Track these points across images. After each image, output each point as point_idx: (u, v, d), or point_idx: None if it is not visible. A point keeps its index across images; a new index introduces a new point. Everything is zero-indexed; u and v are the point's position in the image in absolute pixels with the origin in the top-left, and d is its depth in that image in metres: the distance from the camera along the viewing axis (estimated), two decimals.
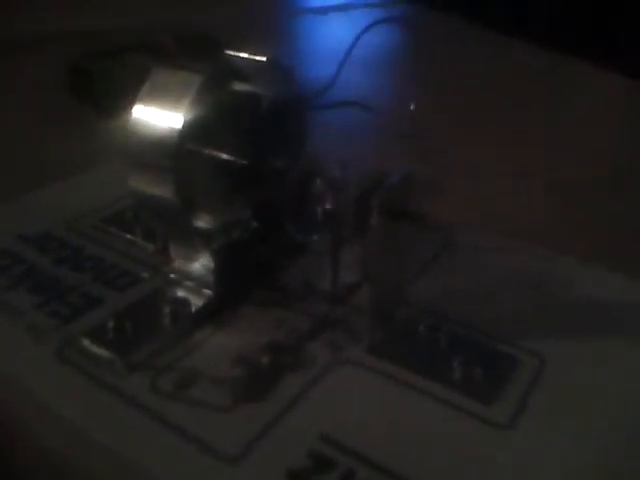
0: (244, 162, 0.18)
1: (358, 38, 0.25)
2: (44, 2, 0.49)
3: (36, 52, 0.40)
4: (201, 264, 0.19)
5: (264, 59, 0.17)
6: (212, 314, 0.18)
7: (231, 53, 0.18)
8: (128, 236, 0.21)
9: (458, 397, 0.16)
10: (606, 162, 0.31)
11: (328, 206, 0.19)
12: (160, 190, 0.17)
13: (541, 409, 0.16)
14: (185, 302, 0.18)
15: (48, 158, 0.29)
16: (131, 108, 0.17)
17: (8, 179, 0.27)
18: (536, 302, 0.19)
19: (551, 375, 0.17)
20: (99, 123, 0.22)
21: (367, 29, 0.24)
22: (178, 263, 0.19)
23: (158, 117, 0.17)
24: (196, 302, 0.18)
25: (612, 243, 0.24)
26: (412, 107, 0.21)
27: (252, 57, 0.17)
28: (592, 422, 0.15)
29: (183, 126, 0.16)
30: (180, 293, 0.19)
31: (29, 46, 0.41)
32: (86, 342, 0.17)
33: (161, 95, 0.17)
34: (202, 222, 0.19)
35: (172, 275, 0.19)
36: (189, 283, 0.19)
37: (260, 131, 0.19)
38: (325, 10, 0.50)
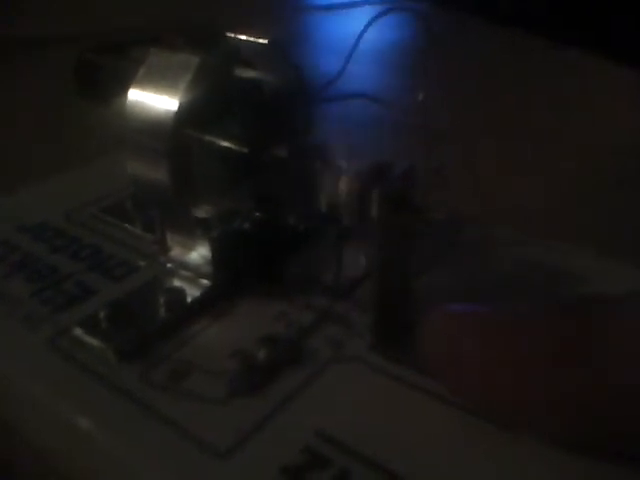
0: (244, 150, 0.17)
1: (365, 30, 0.24)
2: (45, 4, 0.50)
3: (38, 52, 0.40)
4: (199, 254, 0.18)
5: (266, 42, 0.17)
6: (209, 305, 0.18)
7: (232, 36, 0.17)
8: (127, 226, 0.21)
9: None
10: (622, 158, 0.30)
11: (331, 197, 0.19)
12: (156, 175, 0.17)
13: None
14: (181, 292, 0.18)
15: (49, 151, 0.29)
16: (128, 91, 0.17)
17: (8, 173, 0.27)
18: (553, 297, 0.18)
19: None
20: (102, 116, 0.21)
21: (375, 20, 0.24)
22: (176, 252, 0.19)
23: (154, 100, 0.16)
24: (193, 292, 0.18)
25: (631, 238, 0.24)
26: (420, 97, 0.20)
27: (254, 40, 0.17)
28: None
29: (179, 109, 0.16)
30: (176, 283, 0.18)
31: (31, 45, 0.41)
32: (78, 331, 0.17)
33: (158, 77, 0.16)
34: (201, 211, 0.18)
35: (169, 265, 0.19)
36: (186, 273, 0.18)
37: (261, 118, 0.18)
38: (332, 7, 0.50)
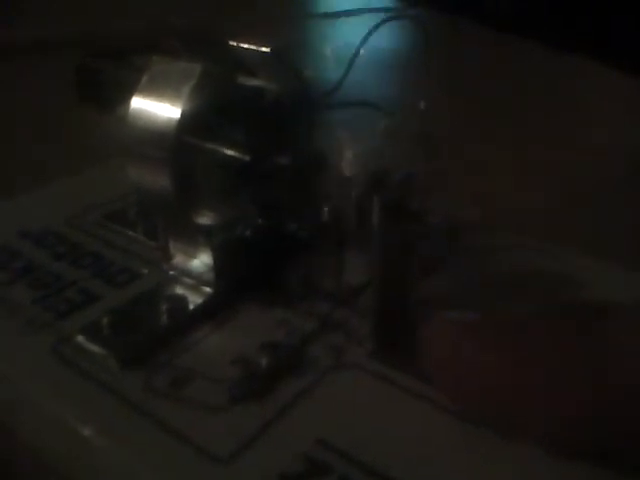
0: (246, 158, 0.17)
1: (367, 38, 0.24)
2: (45, 6, 0.50)
3: (38, 52, 0.40)
4: (201, 261, 0.18)
5: (268, 50, 0.17)
6: (211, 312, 0.18)
7: (234, 44, 0.17)
8: (130, 233, 0.21)
9: None
10: (622, 160, 0.31)
11: (333, 204, 0.19)
12: (159, 182, 0.17)
13: None
14: (183, 299, 0.18)
15: (51, 156, 0.29)
16: (130, 99, 0.17)
17: (10, 178, 0.27)
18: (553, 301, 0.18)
19: None
20: (103, 122, 0.22)
21: (376, 27, 0.24)
22: (178, 260, 0.19)
23: (156, 108, 0.16)
24: (195, 299, 0.18)
25: (631, 241, 0.24)
26: (422, 105, 0.20)
27: (256, 48, 0.17)
28: None
29: (181, 116, 0.16)
30: (179, 290, 0.18)
31: (32, 46, 0.41)
32: (81, 338, 0.17)
33: (160, 85, 0.17)
34: (203, 218, 0.18)
35: (172, 272, 0.19)
36: (189, 280, 0.18)
37: (263, 126, 0.18)
38: (337, 15, 0.50)
